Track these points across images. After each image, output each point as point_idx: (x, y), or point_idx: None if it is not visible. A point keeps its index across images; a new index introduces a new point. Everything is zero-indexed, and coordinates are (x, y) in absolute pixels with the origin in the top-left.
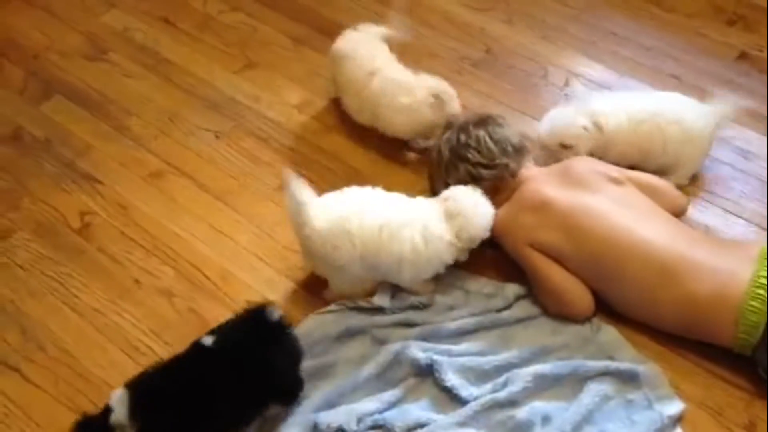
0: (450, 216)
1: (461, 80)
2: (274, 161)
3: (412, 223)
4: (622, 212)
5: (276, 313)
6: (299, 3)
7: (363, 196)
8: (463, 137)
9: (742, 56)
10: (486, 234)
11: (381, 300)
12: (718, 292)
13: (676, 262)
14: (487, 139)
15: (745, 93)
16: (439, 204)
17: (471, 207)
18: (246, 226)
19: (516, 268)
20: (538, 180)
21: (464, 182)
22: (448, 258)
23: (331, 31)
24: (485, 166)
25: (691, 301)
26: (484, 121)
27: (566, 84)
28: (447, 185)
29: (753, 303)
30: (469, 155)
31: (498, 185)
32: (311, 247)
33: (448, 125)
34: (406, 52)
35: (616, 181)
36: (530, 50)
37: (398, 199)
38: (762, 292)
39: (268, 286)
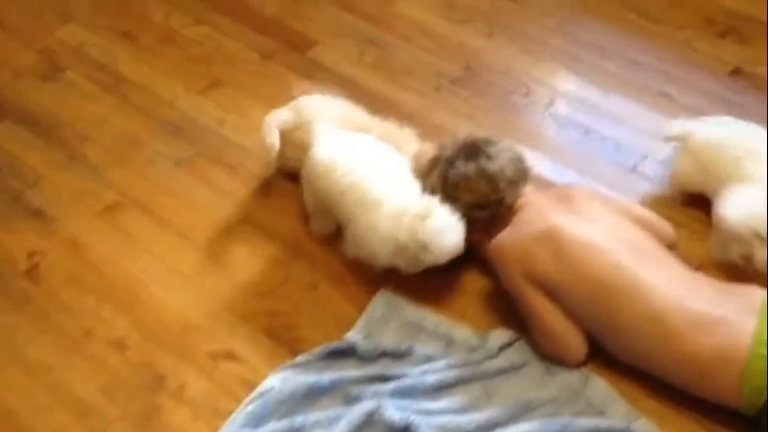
0: (419, 215)
1: (439, 98)
2: (239, 191)
3: (382, 203)
4: (622, 249)
5: None
6: (266, 15)
7: (372, 152)
8: (452, 174)
9: (736, 71)
10: (442, 258)
11: (354, 337)
12: (720, 352)
13: (676, 313)
14: (479, 176)
15: (742, 112)
16: (418, 198)
17: (445, 223)
18: (208, 267)
19: (504, 306)
20: (540, 205)
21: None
22: (386, 255)
23: (301, 45)
24: (479, 206)
25: (691, 359)
26: (473, 153)
27: (550, 104)
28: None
29: (757, 364)
30: (460, 195)
31: (493, 218)
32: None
33: (436, 159)
34: (380, 69)
35: (615, 213)
36: (511, 66)
37: (397, 171)
38: (765, 351)
39: (232, 334)
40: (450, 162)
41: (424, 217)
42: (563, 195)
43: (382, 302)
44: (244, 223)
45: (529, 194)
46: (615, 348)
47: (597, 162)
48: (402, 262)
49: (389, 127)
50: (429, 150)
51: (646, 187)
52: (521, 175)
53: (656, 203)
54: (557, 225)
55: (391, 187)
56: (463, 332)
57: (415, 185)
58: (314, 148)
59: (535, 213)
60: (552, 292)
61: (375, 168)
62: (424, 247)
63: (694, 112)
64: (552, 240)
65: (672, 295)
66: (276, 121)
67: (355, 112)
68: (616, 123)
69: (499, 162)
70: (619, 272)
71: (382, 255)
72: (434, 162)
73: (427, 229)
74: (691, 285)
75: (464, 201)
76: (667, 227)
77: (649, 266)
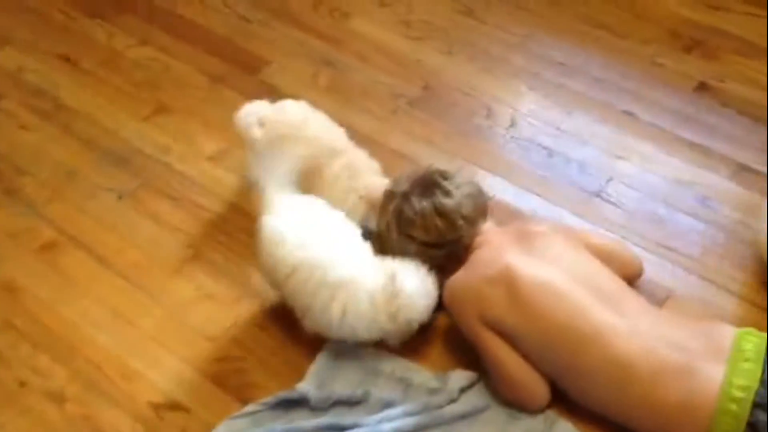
0: (390, 294)
1: (396, 121)
2: (185, 226)
3: (346, 286)
4: (583, 292)
5: None
6: (216, 35)
7: (326, 224)
8: (407, 211)
9: (701, 87)
10: (426, 318)
11: (306, 388)
12: (686, 400)
13: (639, 359)
14: (434, 214)
15: (706, 130)
16: (382, 273)
17: (415, 289)
18: (152, 309)
19: (467, 345)
20: (497, 244)
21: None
22: (366, 338)
23: (253, 66)
24: (435, 246)
25: (656, 407)
26: (429, 189)
27: (512, 125)
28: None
29: (724, 417)
30: (415, 234)
31: (450, 256)
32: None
33: (390, 194)
34: (335, 91)
35: (576, 249)
36: (472, 85)
37: (355, 242)
38: (734, 406)
39: (177, 383)
40: (405, 197)
41: (395, 295)
42: (522, 233)
43: (335, 346)
44: (191, 261)
45: (487, 231)
46: (576, 394)
47: (561, 186)
48: (394, 338)
49: (359, 155)
50: (382, 185)
51: (610, 212)
52: (479, 211)
53: (622, 228)
54: (513, 266)
55: (353, 263)
56: (423, 375)
57: (371, 255)
58: (263, 216)
59: (492, 253)
60: (509, 337)
61: (331, 242)
62: (408, 323)
63: (658, 130)
64: (507, 282)
65: (635, 340)
66: (253, 116)
67: (333, 131)
68: (579, 143)
69: (456, 198)
70: (578, 316)
71: (366, 337)
72: (389, 197)
73: (403, 304)
74: (655, 327)
75: (419, 240)
76: (632, 258)
77: (612, 309)
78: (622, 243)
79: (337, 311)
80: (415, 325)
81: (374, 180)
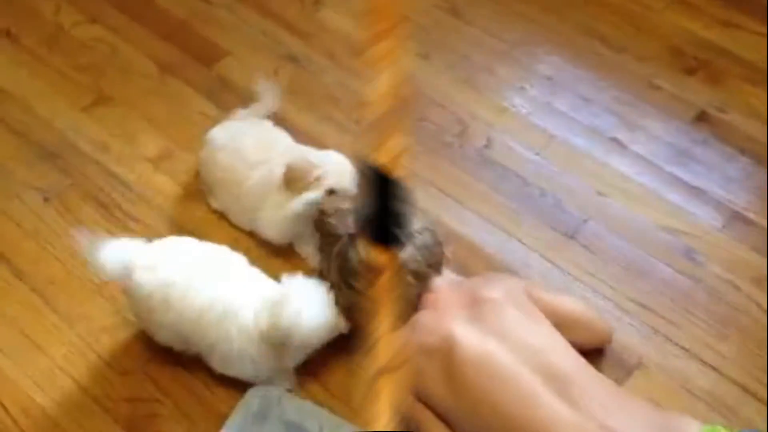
0: (275, 304)
1: (359, 133)
2: (114, 237)
3: (238, 310)
4: (532, 374)
5: None
6: (174, 17)
7: (194, 257)
8: (353, 259)
9: (701, 117)
10: (315, 341)
11: None
12: None
13: None
14: None
15: (701, 169)
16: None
17: (302, 301)
18: (65, 334)
19: None
20: (445, 306)
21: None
22: (257, 356)
23: (209, 56)
24: None
25: None
26: None
27: (487, 146)
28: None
29: None
30: (358, 286)
31: None
32: (128, 296)
33: (334, 235)
34: (296, 92)
35: (533, 320)
36: (447, 96)
37: (236, 268)
38: None
39: (82, 424)
40: (352, 242)
41: (281, 304)
42: (474, 298)
43: (259, 394)
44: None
45: (437, 289)
46: None
47: (532, 223)
48: (283, 360)
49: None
50: (305, 166)
51: (584, 258)
52: (433, 265)
53: (594, 278)
54: (455, 337)
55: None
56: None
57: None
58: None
59: (435, 318)
60: (444, 417)
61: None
62: (286, 337)
63: (648, 164)
64: (445, 356)
65: None
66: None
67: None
68: (558, 174)
69: (408, 249)
70: (522, 404)
71: (255, 368)
72: (331, 238)
73: (285, 313)
74: (608, 419)
75: (361, 292)
76: (600, 325)
77: (561, 396)
78: (590, 308)
79: (223, 335)
80: (296, 343)
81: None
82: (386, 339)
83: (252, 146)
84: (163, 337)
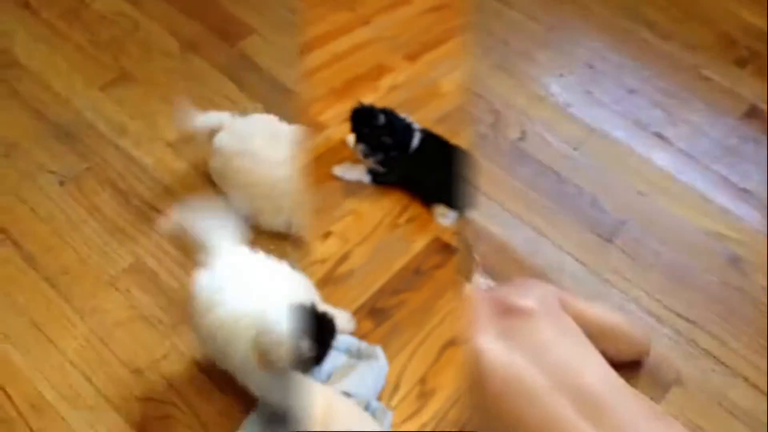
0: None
1: None
2: (131, 227)
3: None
4: (560, 398)
5: None
6: None
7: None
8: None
9: (751, 113)
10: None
11: None
12: None
13: None
14: None
15: (750, 169)
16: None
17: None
18: (77, 327)
19: None
20: (473, 317)
21: None
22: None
23: (233, 34)
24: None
25: None
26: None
27: (521, 138)
28: None
29: None
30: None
31: None
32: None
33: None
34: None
35: (567, 334)
36: (482, 83)
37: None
38: None
39: (92, 423)
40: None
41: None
42: (506, 308)
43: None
44: (129, 272)
45: (467, 297)
46: None
47: (568, 223)
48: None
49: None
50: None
51: (621, 264)
52: (463, 273)
53: (632, 284)
54: (482, 352)
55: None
56: None
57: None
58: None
59: (464, 330)
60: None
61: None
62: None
63: (692, 161)
64: (470, 369)
65: None
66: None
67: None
68: (597, 171)
69: None
70: (548, 427)
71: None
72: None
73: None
74: None
75: None
76: (638, 336)
77: (591, 422)
78: (627, 318)
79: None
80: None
81: None
82: (455, 313)
83: (265, 145)
84: None
